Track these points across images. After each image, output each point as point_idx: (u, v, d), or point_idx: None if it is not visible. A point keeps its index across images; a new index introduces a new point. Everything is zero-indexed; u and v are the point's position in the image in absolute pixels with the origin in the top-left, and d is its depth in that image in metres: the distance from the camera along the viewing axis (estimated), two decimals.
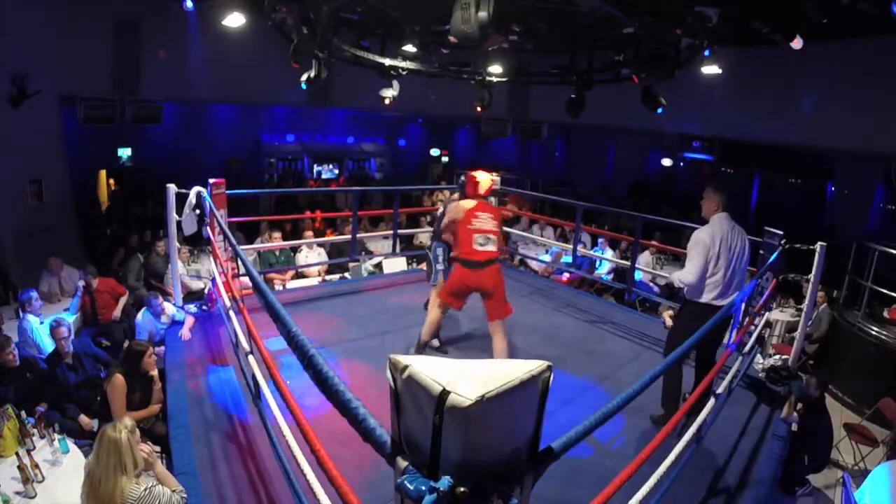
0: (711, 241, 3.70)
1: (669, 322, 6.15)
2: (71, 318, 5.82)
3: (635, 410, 3.79)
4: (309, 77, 5.75)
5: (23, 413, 3.83)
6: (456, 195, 4.96)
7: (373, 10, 5.77)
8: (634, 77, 5.50)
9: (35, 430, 3.76)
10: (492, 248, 4.17)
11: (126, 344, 4.74)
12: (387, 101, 6.85)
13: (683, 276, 3.75)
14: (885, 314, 6.80)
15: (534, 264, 8.98)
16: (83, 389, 4.48)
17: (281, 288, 7.32)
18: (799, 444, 4.35)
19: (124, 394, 4.02)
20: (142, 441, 3.03)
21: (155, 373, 4.32)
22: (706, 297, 3.74)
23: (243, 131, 14.90)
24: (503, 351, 4.13)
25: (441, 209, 4.91)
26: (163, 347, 4.93)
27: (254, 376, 3.14)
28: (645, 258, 8.34)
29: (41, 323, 5.31)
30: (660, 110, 5.93)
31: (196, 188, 5.21)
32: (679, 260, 8.77)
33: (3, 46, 7.04)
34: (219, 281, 4.77)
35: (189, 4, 5.57)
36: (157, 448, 3.79)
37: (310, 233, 8.33)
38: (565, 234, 10.09)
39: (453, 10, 3.90)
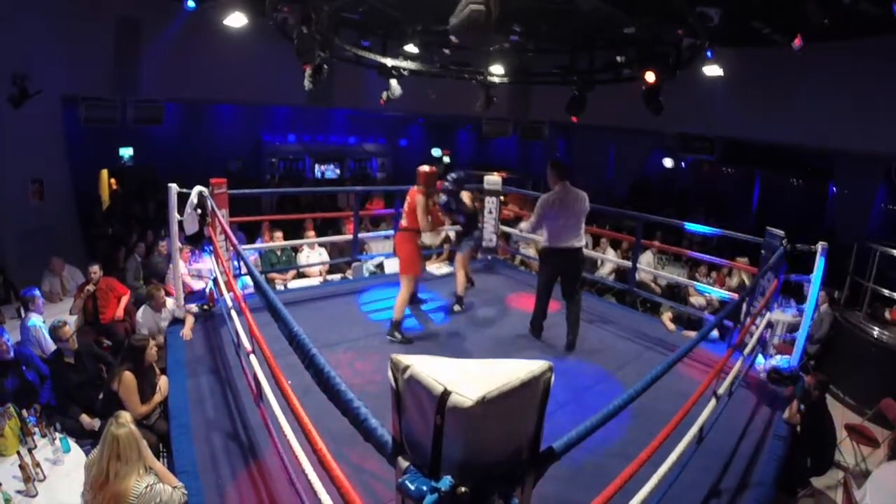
0: (550, 202, 4.94)
1: (671, 326, 6.16)
2: (72, 318, 5.84)
3: (636, 411, 3.80)
4: (310, 77, 5.75)
5: (23, 412, 3.84)
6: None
7: (374, 10, 5.77)
8: (654, 76, 5.48)
9: (36, 429, 3.77)
10: (403, 222, 5.34)
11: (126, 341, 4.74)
12: (382, 101, 6.87)
13: (524, 225, 5.22)
14: (887, 315, 6.79)
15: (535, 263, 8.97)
16: (85, 389, 4.49)
17: (282, 288, 7.32)
18: (801, 445, 4.34)
19: (136, 390, 4.05)
20: (144, 438, 3.04)
21: (156, 363, 4.35)
22: (552, 242, 5.03)
23: (245, 131, 14.89)
24: (402, 300, 5.19)
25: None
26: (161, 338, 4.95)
27: (255, 376, 3.15)
28: (647, 258, 8.32)
29: (43, 322, 5.32)
30: (656, 115, 5.92)
31: (197, 188, 5.21)
32: (679, 260, 8.77)
33: (4, 46, 7.05)
34: (220, 280, 4.78)
35: (191, 4, 5.57)
36: (160, 445, 3.80)
37: (311, 233, 8.33)
38: None
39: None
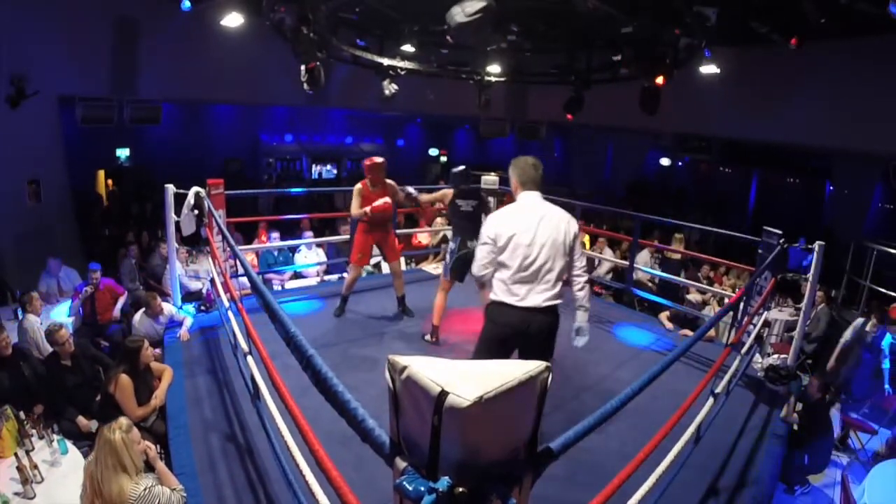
0: (497, 225, 3.09)
1: (669, 325, 6.17)
2: (69, 319, 5.83)
3: (634, 410, 3.80)
4: (308, 76, 5.75)
5: (21, 414, 3.83)
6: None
7: (371, 11, 5.78)
8: (662, 79, 5.46)
9: (34, 431, 3.76)
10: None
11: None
12: (386, 92, 6.84)
13: (472, 268, 3.23)
14: None
15: None
16: (82, 391, 4.48)
17: (280, 288, 7.31)
18: (798, 443, 4.36)
19: (132, 392, 4.03)
20: (143, 440, 3.04)
21: (152, 365, 4.34)
22: (505, 296, 3.11)
23: (242, 131, 14.88)
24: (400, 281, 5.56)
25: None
26: (159, 350, 4.94)
27: (252, 377, 3.14)
28: (643, 257, 8.33)
29: (41, 324, 5.30)
30: (651, 115, 5.93)
31: (194, 188, 5.20)
32: (674, 259, 8.79)
33: (1, 46, 7.03)
34: (217, 281, 4.77)
35: (186, 5, 5.56)
36: (157, 446, 3.79)
37: (309, 233, 8.32)
38: None
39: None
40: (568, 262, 3.14)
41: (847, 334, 5.92)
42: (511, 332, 3.13)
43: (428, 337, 5.20)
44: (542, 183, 3.19)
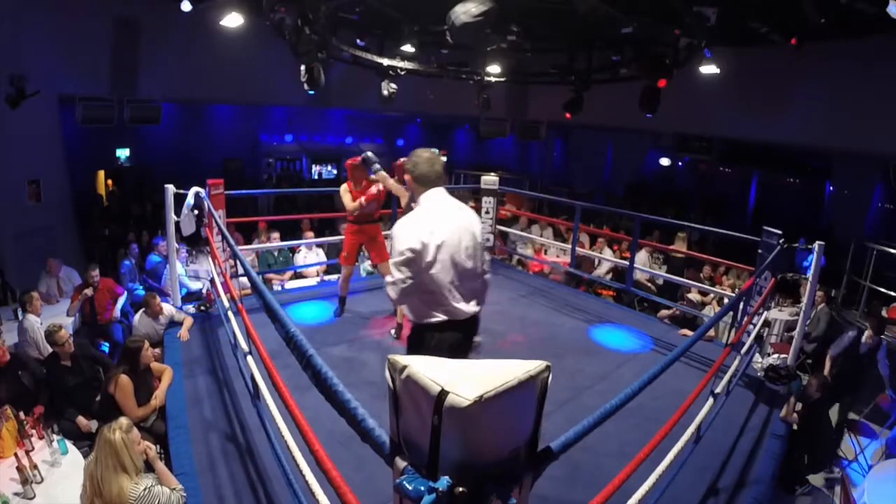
0: (423, 234, 2.59)
1: (665, 315, 6.18)
2: (68, 320, 5.82)
3: (634, 410, 3.80)
4: (307, 76, 5.75)
5: (21, 414, 3.83)
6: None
7: (371, 11, 5.78)
8: (664, 81, 5.45)
9: (34, 432, 3.76)
10: None
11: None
12: (387, 93, 6.83)
13: (389, 290, 2.69)
14: (884, 313, 6.81)
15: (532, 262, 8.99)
16: (81, 391, 4.47)
17: (279, 288, 7.32)
18: (798, 443, 4.36)
19: (132, 393, 4.03)
20: (143, 440, 3.04)
21: (152, 365, 4.34)
22: (441, 313, 2.70)
23: (242, 131, 14.89)
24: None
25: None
26: (159, 350, 4.93)
27: (252, 377, 3.14)
28: (641, 257, 8.34)
29: (41, 324, 5.30)
30: (649, 115, 5.93)
31: (194, 188, 5.20)
32: (671, 260, 8.79)
33: (1, 46, 7.03)
34: (217, 281, 4.77)
35: (186, 6, 5.56)
36: (157, 446, 3.79)
37: (309, 233, 8.32)
38: (561, 233, 10.07)
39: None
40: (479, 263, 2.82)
41: (836, 346, 5.82)
42: (449, 348, 2.68)
43: (392, 332, 5.28)
44: (445, 177, 2.83)
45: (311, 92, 5.60)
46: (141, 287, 7.07)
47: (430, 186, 2.75)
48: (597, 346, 5.42)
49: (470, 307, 2.76)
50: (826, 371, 5.61)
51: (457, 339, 2.74)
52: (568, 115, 7.19)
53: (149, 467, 2.99)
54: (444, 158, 16.78)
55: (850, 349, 5.66)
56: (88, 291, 5.89)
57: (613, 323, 6.06)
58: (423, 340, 2.73)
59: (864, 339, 5.64)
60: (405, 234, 2.60)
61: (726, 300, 6.42)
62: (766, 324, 6.16)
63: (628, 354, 5.28)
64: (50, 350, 4.61)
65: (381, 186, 5.17)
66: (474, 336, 2.91)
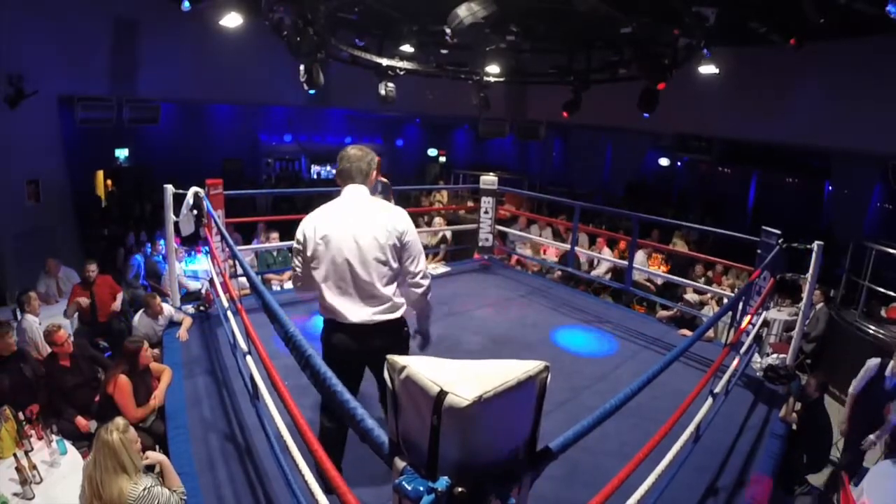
0: (308, 226, 2.67)
1: (664, 314, 6.19)
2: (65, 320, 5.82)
3: (633, 410, 3.80)
4: (307, 76, 5.75)
5: (20, 414, 3.83)
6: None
7: (370, 10, 5.77)
8: (663, 83, 5.45)
9: (33, 432, 3.76)
10: None
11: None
12: (384, 93, 6.81)
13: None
14: (883, 313, 6.82)
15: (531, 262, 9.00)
16: (80, 391, 4.48)
17: (279, 288, 7.31)
18: (797, 443, 4.36)
19: (131, 393, 4.03)
20: (141, 442, 3.04)
21: (151, 365, 4.34)
22: (328, 312, 2.71)
23: (241, 131, 14.89)
24: None
25: None
26: (158, 350, 4.93)
27: (251, 377, 3.14)
28: (639, 257, 8.34)
29: (39, 324, 5.30)
30: (646, 115, 5.93)
31: (193, 188, 5.20)
32: (671, 260, 8.80)
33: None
34: (216, 281, 4.77)
35: (186, 5, 5.56)
36: (157, 446, 3.79)
37: None
38: (560, 233, 10.08)
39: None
40: (396, 266, 2.66)
41: (859, 380, 4.66)
42: (346, 353, 2.67)
43: None
44: (367, 175, 2.76)
45: (312, 92, 5.60)
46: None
47: (347, 183, 2.75)
48: (597, 346, 5.42)
49: (356, 313, 2.61)
50: (846, 414, 4.69)
51: (344, 344, 2.66)
52: (565, 114, 7.20)
53: (149, 467, 2.99)
54: (444, 159, 16.85)
55: (876, 382, 4.51)
56: (84, 301, 5.86)
57: (613, 323, 6.05)
58: (322, 335, 2.77)
59: (890, 370, 4.43)
60: (299, 226, 2.70)
61: (725, 300, 6.42)
62: (766, 324, 6.16)
63: (628, 354, 5.27)
64: (49, 350, 4.62)
65: None
66: (378, 346, 2.58)
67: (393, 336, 2.70)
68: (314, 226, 2.64)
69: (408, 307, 2.77)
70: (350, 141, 17.03)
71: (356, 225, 2.60)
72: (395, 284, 2.69)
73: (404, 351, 2.74)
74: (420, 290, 2.75)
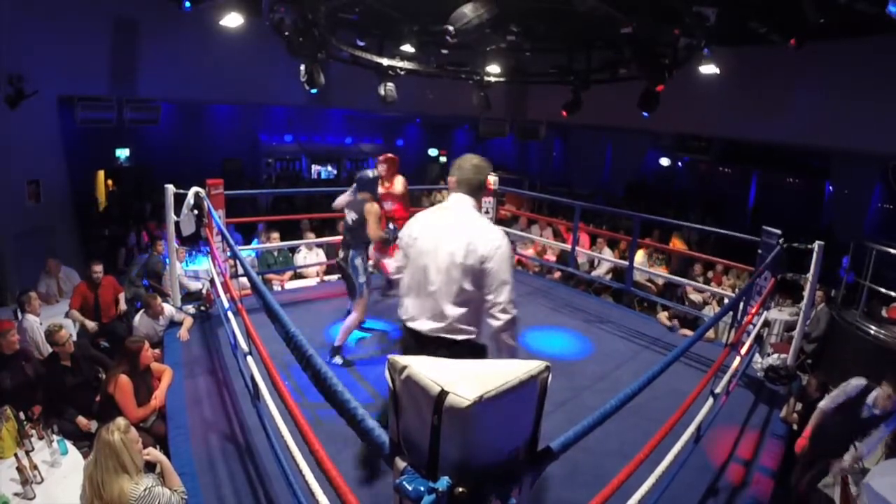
0: (409, 227, 2.71)
1: (668, 324, 6.18)
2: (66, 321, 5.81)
3: (634, 410, 3.80)
4: (307, 76, 5.75)
5: (21, 414, 3.83)
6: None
7: (371, 10, 5.77)
8: (662, 85, 5.45)
9: (34, 432, 3.76)
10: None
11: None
12: (383, 93, 6.83)
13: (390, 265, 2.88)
14: (884, 313, 6.80)
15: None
16: (81, 391, 4.48)
17: (279, 289, 7.31)
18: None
19: (132, 393, 4.03)
20: (142, 442, 3.04)
21: (152, 365, 4.35)
22: (402, 313, 2.69)
23: (241, 131, 14.88)
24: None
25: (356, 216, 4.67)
26: (159, 350, 4.93)
27: (252, 377, 3.14)
28: (638, 257, 8.34)
29: (40, 324, 5.30)
30: (645, 114, 5.93)
31: (194, 188, 5.20)
32: (670, 259, 8.79)
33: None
34: (217, 282, 4.77)
35: (187, 5, 5.56)
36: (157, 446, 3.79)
37: (310, 234, 8.32)
38: (561, 233, 10.08)
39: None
40: (471, 289, 2.48)
41: (835, 397, 4.11)
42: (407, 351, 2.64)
43: (338, 360, 4.57)
44: (481, 189, 2.66)
45: (315, 91, 5.60)
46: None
47: (457, 190, 2.65)
48: (597, 346, 5.42)
49: (419, 320, 2.58)
50: (809, 429, 4.11)
51: (407, 344, 2.66)
52: (564, 113, 7.20)
53: (150, 466, 2.99)
54: (444, 159, 16.87)
55: (852, 405, 4.03)
56: (91, 325, 5.83)
57: (613, 323, 6.05)
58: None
59: (873, 399, 3.94)
60: (406, 224, 2.74)
61: (726, 300, 6.42)
62: (766, 324, 6.16)
63: (628, 354, 5.27)
64: (50, 350, 4.62)
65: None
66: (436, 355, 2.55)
67: (452, 352, 2.48)
68: (414, 225, 2.67)
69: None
70: (350, 141, 17.02)
71: (442, 235, 2.53)
72: (467, 308, 2.51)
73: None
74: (495, 325, 2.50)
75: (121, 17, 8.39)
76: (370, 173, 4.73)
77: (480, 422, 1.07)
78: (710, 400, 3.26)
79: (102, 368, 4.75)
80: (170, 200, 5.38)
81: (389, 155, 5.66)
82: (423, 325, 2.56)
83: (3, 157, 7.31)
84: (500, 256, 2.46)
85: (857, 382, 4.06)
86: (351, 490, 1.45)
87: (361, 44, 6.50)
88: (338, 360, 4.55)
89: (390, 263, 2.86)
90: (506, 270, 2.48)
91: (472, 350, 2.57)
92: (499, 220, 7.97)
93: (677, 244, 9.40)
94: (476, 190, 2.64)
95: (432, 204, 12.66)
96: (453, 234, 2.49)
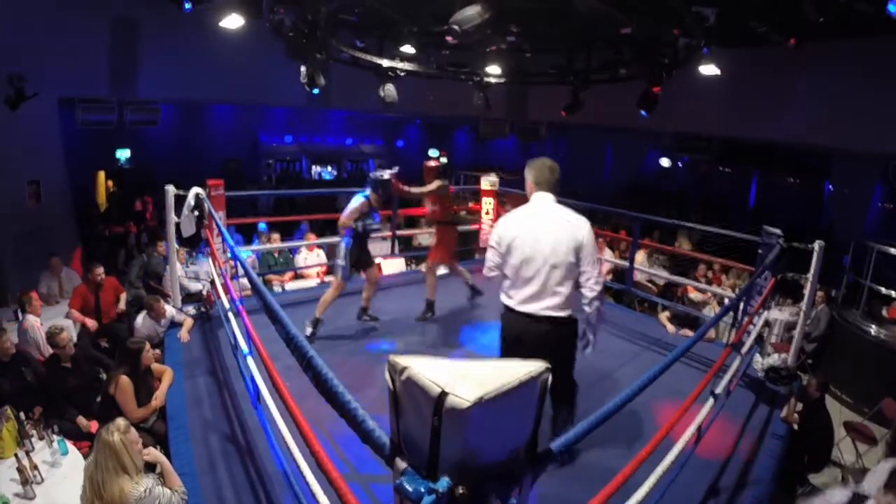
0: (504, 228, 3.11)
1: (669, 326, 6.15)
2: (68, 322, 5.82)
3: (634, 410, 3.80)
4: (308, 77, 5.75)
5: (21, 415, 3.83)
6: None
7: (371, 11, 5.77)
8: (659, 86, 5.46)
9: (34, 432, 3.76)
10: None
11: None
12: (383, 94, 6.84)
13: (484, 270, 3.26)
14: (884, 313, 6.80)
15: None
16: (82, 392, 4.48)
17: (280, 289, 7.31)
18: (798, 443, 4.35)
19: (133, 394, 4.04)
20: (142, 442, 3.04)
21: (153, 366, 4.35)
22: (506, 299, 3.14)
23: (241, 132, 14.89)
24: (431, 287, 5.74)
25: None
26: (159, 351, 4.93)
27: (252, 378, 3.14)
28: (639, 257, 8.33)
29: (41, 324, 5.30)
30: (644, 114, 5.93)
31: (194, 189, 5.20)
32: (671, 259, 8.78)
33: (0, 47, 7.04)
34: (217, 282, 4.77)
35: (188, 7, 5.56)
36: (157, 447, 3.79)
37: (312, 235, 8.32)
38: None
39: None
40: (574, 269, 2.98)
41: None
42: (513, 337, 3.11)
43: (308, 329, 4.99)
44: (557, 186, 3.16)
45: (316, 91, 5.60)
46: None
47: (537, 190, 3.15)
48: (597, 346, 5.40)
49: (525, 303, 3.02)
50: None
51: (513, 327, 3.09)
52: (563, 113, 7.20)
53: (150, 467, 2.99)
54: (444, 160, 16.89)
55: None
56: (91, 324, 5.84)
57: (614, 323, 6.03)
58: (501, 317, 3.21)
59: None
60: (496, 227, 3.17)
61: (726, 300, 6.41)
62: (767, 324, 6.15)
63: (628, 354, 5.26)
64: (50, 350, 4.62)
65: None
66: (529, 341, 3.01)
67: (558, 328, 3.04)
68: (507, 226, 3.09)
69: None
70: (351, 142, 17.02)
71: (543, 228, 2.99)
72: (570, 289, 3.01)
73: (564, 344, 3.14)
74: (590, 295, 3.06)
75: (121, 19, 8.40)
76: (383, 174, 4.99)
77: (480, 423, 1.07)
78: (711, 400, 3.26)
79: (103, 369, 4.76)
80: (170, 201, 5.38)
81: (430, 163, 6.02)
82: (533, 306, 3.00)
83: (3, 158, 7.32)
84: (591, 237, 3.02)
85: (842, 493, 3.19)
86: (351, 490, 1.45)
87: (361, 45, 6.49)
88: (308, 329, 4.94)
89: (486, 264, 3.19)
90: (596, 248, 3.05)
91: (570, 323, 3.10)
92: None
93: (684, 245, 9.40)
94: (554, 186, 3.15)
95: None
96: (553, 226, 2.99)
